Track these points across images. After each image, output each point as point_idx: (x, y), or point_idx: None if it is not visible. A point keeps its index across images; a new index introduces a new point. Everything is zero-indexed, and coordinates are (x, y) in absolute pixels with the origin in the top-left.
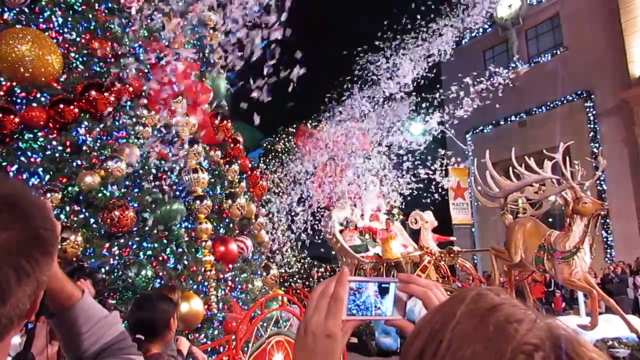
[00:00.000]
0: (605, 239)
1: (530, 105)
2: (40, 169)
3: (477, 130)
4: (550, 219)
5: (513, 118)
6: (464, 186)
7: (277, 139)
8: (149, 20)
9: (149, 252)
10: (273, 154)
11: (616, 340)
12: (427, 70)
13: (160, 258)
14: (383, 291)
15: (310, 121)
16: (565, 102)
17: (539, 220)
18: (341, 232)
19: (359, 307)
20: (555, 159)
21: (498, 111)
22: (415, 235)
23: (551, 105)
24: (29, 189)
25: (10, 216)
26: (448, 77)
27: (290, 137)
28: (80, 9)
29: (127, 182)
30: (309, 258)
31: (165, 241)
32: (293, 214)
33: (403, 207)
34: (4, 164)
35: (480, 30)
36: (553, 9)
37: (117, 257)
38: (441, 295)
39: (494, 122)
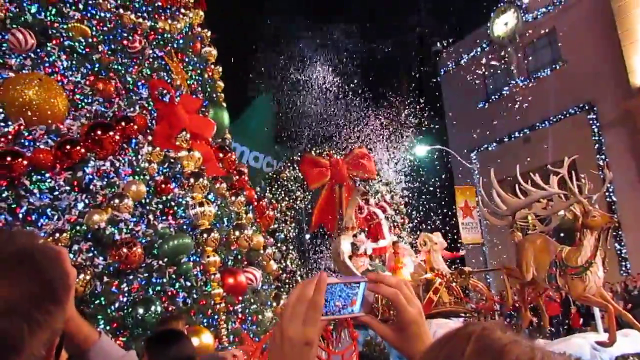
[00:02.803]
0: (618, 252)
1: (533, 120)
2: (48, 210)
3: (482, 149)
4: (562, 234)
5: (517, 134)
6: (472, 205)
7: (282, 167)
8: (151, 59)
9: (158, 288)
10: (279, 182)
11: (636, 356)
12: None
13: (170, 293)
14: (353, 289)
15: (315, 148)
16: (568, 115)
17: (550, 236)
18: (350, 257)
19: (332, 307)
20: (561, 174)
21: (501, 128)
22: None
23: (554, 119)
24: (40, 241)
25: (22, 271)
26: (448, 97)
27: (295, 165)
28: (84, 51)
29: (134, 219)
30: None
31: (174, 276)
32: (301, 241)
33: (411, 229)
34: (13, 205)
35: (479, 49)
36: (549, 24)
37: (126, 294)
38: (410, 295)
39: (497, 139)
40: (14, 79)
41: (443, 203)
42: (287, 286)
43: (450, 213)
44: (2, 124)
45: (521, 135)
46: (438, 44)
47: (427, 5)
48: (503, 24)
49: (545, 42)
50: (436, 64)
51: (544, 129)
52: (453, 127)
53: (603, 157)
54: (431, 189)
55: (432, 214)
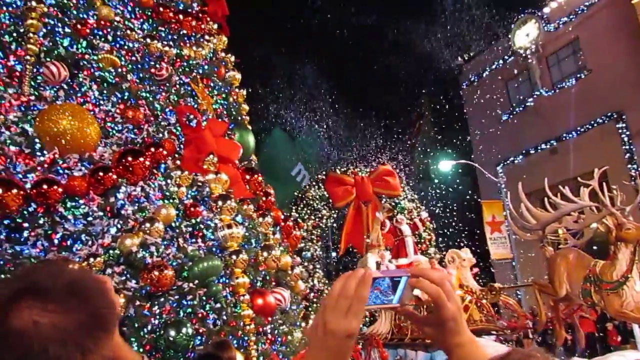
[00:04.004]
0: None
1: (559, 131)
2: (82, 235)
3: (508, 162)
4: (595, 247)
5: (543, 146)
6: (500, 219)
7: (307, 186)
8: (177, 86)
9: (189, 310)
10: (304, 201)
11: None
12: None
13: (200, 315)
14: (395, 283)
15: (340, 167)
16: (595, 125)
17: (582, 250)
18: None
19: (371, 298)
20: (592, 186)
21: (527, 140)
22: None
23: (581, 130)
24: (89, 273)
25: (73, 301)
26: (471, 111)
27: (320, 184)
28: (114, 81)
29: (164, 242)
30: None
31: (204, 297)
32: (328, 260)
33: (438, 245)
34: (49, 232)
35: (500, 61)
36: (572, 33)
37: (157, 316)
38: (451, 291)
39: (523, 152)
40: (49, 109)
41: (469, 218)
42: (314, 305)
43: (477, 228)
44: (39, 153)
45: (548, 146)
46: (459, 57)
47: (446, 19)
48: (524, 35)
49: (569, 52)
50: (457, 78)
51: (571, 140)
52: (477, 141)
53: (635, 166)
54: (457, 204)
55: (458, 229)
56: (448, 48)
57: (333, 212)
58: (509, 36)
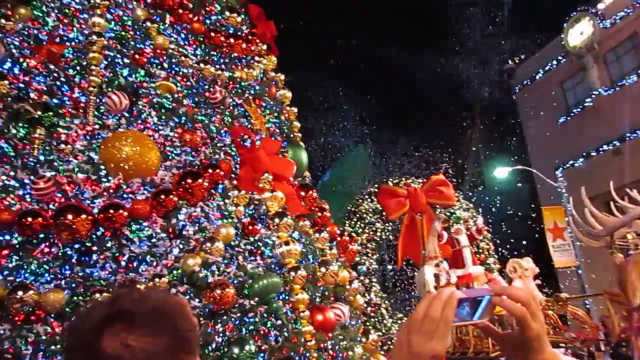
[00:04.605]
0: None
1: (622, 131)
2: (147, 257)
3: (567, 165)
4: None
5: (605, 147)
6: (562, 226)
7: (360, 199)
8: (231, 108)
9: (251, 327)
10: (358, 215)
11: None
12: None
13: (262, 332)
14: (477, 302)
15: (391, 179)
16: None
17: None
18: (436, 287)
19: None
20: None
21: (587, 142)
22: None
23: None
24: (170, 296)
25: (159, 325)
26: (526, 115)
27: (373, 197)
28: (171, 106)
29: (225, 261)
30: (405, 318)
31: (265, 314)
32: (384, 273)
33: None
34: (116, 254)
35: (554, 62)
36: (630, 28)
37: (221, 334)
38: (536, 309)
39: (584, 154)
40: (112, 137)
41: (529, 226)
42: (372, 319)
43: (538, 236)
44: (104, 179)
45: (610, 147)
46: (509, 61)
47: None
48: (578, 33)
49: (628, 47)
50: (509, 82)
51: (636, 139)
52: (534, 145)
53: None
54: (515, 211)
55: (517, 238)
56: (498, 52)
57: (387, 224)
58: (562, 36)
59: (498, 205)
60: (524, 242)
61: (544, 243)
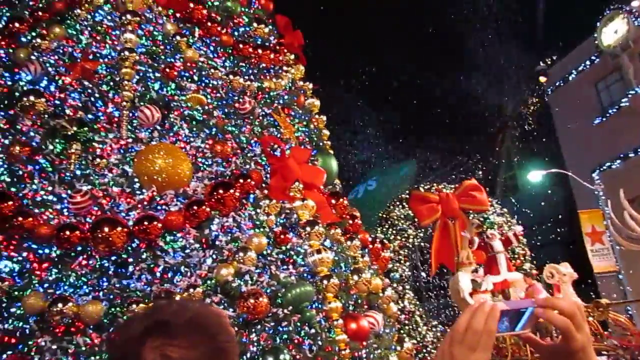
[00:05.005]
0: None
1: None
2: (182, 267)
3: (604, 168)
4: None
5: None
6: (600, 230)
7: (391, 206)
8: (260, 118)
9: (285, 336)
10: (389, 222)
11: None
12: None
13: (296, 341)
14: (520, 313)
15: (423, 185)
16: None
17: None
18: (471, 294)
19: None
20: None
21: (625, 143)
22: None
23: None
24: (208, 307)
25: (197, 336)
26: (559, 116)
27: (404, 203)
28: (201, 118)
29: (257, 270)
30: (440, 326)
31: (298, 323)
32: (417, 280)
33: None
34: (151, 266)
35: (587, 62)
36: None
37: (255, 344)
38: (581, 321)
39: (621, 155)
40: (145, 150)
41: (565, 230)
42: (406, 327)
43: (574, 241)
44: (138, 192)
45: None
46: (540, 62)
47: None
48: (612, 32)
49: None
50: (541, 84)
51: None
52: (568, 148)
53: None
54: (550, 216)
55: (554, 243)
56: (529, 54)
57: (419, 231)
58: (595, 35)
59: (533, 209)
60: (561, 247)
61: (582, 248)
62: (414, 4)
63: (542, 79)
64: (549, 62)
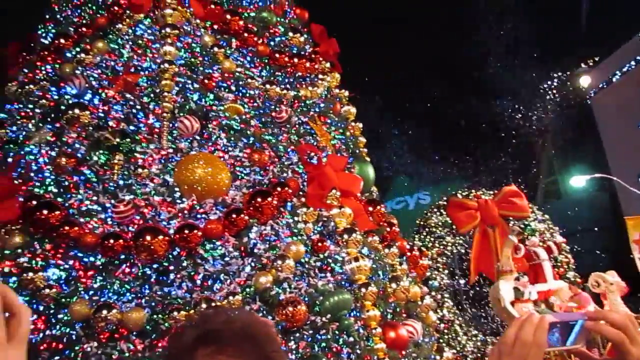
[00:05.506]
0: None
1: None
2: (221, 275)
3: None
4: None
5: None
6: None
7: (428, 213)
8: (297, 126)
9: (323, 344)
10: (427, 229)
11: None
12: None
13: (334, 349)
14: (569, 327)
15: (461, 191)
16: None
17: None
18: (513, 303)
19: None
20: None
21: None
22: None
23: None
24: (256, 317)
25: (247, 345)
26: (603, 119)
27: (442, 210)
28: (239, 127)
29: (295, 278)
30: (480, 335)
31: (336, 332)
32: (455, 288)
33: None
34: (192, 273)
35: (632, 62)
36: None
37: (294, 352)
38: (635, 334)
39: None
40: (185, 160)
41: (610, 237)
42: (445, 337)
43: (620, 248)
44: (179, 201)
45: None
46: (582, 64)
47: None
48: None
49: None
50: (582, 87)
51: None
52: (613, 152)
53: None
54: (594, 222)
55: (598, 250)
56: (571, 56)
57: (458, 238)
58: (638, 35)
59: (576, 215)
60: (605, 255)
61: (629, 255)
62: (448, 26)
63: (585, 81)
64: (591, 64)
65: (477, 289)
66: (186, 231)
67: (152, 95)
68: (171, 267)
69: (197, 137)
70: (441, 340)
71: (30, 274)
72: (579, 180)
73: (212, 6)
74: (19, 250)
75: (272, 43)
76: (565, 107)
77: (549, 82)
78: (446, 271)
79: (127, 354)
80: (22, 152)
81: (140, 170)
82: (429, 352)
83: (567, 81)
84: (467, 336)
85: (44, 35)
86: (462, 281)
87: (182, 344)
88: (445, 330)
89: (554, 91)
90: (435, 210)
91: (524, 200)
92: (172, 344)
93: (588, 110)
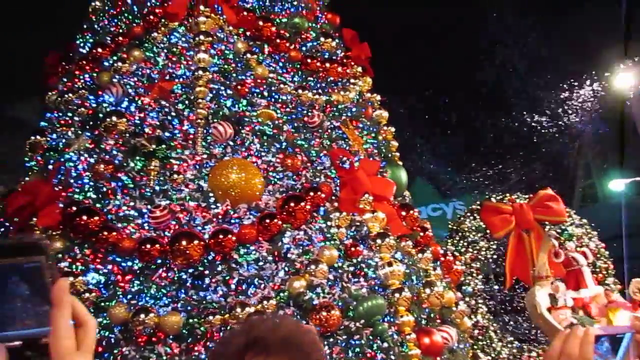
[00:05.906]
0: None
1: None
2: (256, 279)
3: None
4: None
5: None
6: None
7: (462, 218)
8: (329, 131)
9: (357, 350)
10: (460, 234)
11: None
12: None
13: (368, 354)
14: (617, 340)
15: (495, 195)
16: None
17: None
18: (549, 309)
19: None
20: None
21: None
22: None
23: None
24: (300, 325)
25: (292, 352)
26: None
27: (476, 215)
28: (271, 132)
29: (329, 283)
30: (516, 342)
31: (370, 337)
32: (490, 294)
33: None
34: (227, 278)
35: None
36: None
37: (328, 357)
38: None
39: None
40: (219, 165)
41: None
42: (480, 343)
43: None
44: (213, 206)
45: None
46: (621, 64)
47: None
48: None
49: None
50: (621, 87)
51: None
52: None
53: None
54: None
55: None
56: (609, 55)
57: (492, 243)
58: None
59: (615, 220)
60: None
61: None
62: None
63: (623, 80)
64: (631, 63)
65: (512, 294)
66: (221, 236)
67: (186, 102)
68: (206, 272)
69: (231, 143)
70: (475, 347)
71: (71, 278)
72: (617, 184)
73: (245, 13)
74: (60, 255)
75: (304, 48)
76: (603, 108)
77: (587, 82)
78: (480, 276)
79: (164, 358)
80: (62, 159)
81: (175, 176)
82: (464, 358)
83: (604, 81)
84: (502, 342)
85: (82, 45)
86: (496, 287)
87: (229, 350)
88: (480, 337)
89: (591, 92)
90: (468, 214)
91: (561, 204)
92: (219, 349)
93: (627, 111)
